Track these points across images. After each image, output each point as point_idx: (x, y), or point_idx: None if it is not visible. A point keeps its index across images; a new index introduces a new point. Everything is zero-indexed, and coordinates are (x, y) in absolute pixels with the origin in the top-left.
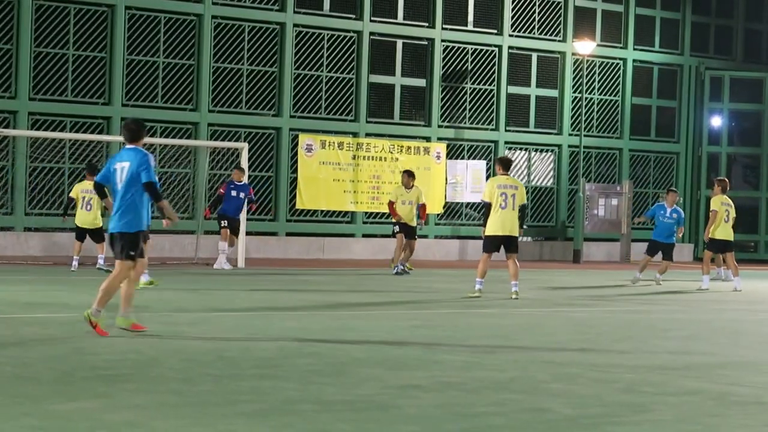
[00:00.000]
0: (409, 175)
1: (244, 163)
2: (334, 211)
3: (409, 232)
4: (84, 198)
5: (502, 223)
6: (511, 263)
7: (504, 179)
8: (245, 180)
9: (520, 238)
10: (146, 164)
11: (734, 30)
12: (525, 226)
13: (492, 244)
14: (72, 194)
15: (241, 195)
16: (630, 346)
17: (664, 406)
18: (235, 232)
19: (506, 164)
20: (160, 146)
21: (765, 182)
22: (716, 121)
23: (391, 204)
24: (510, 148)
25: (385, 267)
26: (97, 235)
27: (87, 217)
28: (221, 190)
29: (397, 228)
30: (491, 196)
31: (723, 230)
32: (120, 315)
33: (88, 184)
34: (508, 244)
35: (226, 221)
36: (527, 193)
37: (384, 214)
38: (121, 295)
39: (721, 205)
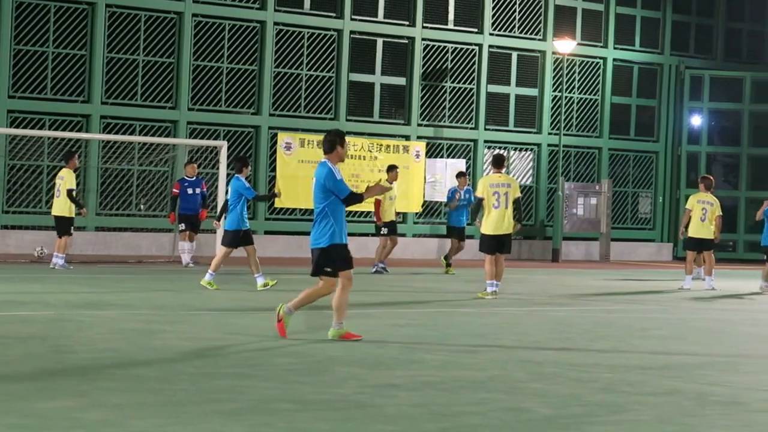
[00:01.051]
0: (393, 169)
1: (223, 161)
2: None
3: (394, 230)
4: (56, 185)
5: (496, 222)
6: (497, 263)
7: (496, 177)
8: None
9: (514, 237)
10: (332, 179)
11: (715, 29)
12: (522, 224)
13: (489, 243)
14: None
15: (197, 191)
16: (609, 345)
17: (643, 406)
18: (195, 228)
19: (498, 162)
20: (140, 144)
21: (744, 182)
22: (696, 121)
23: (378, 203)
24: (489, 147)
25: (364, 266)
26: (64, 225)
27: (57, 204)
28: (175, 190)
29: (386, 230)
30: (483, 193)
31: (699, 228)
32: (332, 326)
33: (62, 172)
34: (502, 243)
35: (183, 224)
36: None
37: (363, 212)
38: (333, 305)
39: (697, 203)
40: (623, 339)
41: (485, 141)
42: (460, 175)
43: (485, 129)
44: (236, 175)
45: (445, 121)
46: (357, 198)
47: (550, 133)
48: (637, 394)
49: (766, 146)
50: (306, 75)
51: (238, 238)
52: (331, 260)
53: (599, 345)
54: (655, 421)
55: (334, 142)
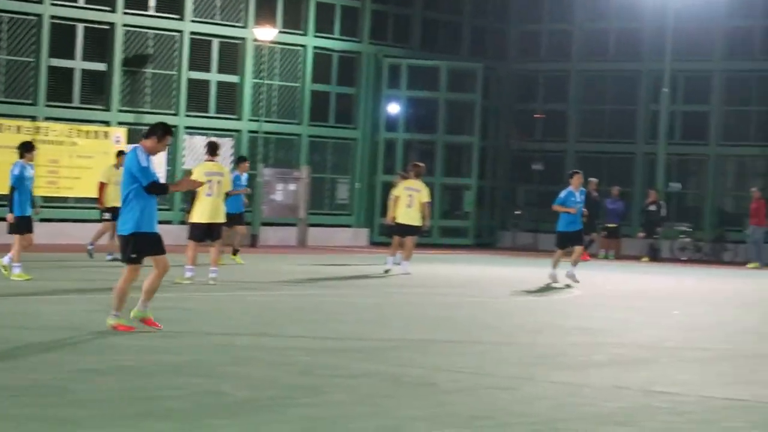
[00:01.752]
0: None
1: None
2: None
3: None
4: None
5: (208, 210)
6: (212, 249)
7: (211, 165)
8: None
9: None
10: (136, 164)
11: (412, 18)
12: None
13: (199, 231)
14: None
15: None
16: (307, 329)
17: (339, 388)
18: None
19: (213, 150)
20: None
21: (439, 168)
22: (394, 108)
23: (102, 186)
24: (190, 133)
25: (63, 252)
26: None
27: None
28: None
29: (108, 215)
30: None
31: (405, 215)
32: (137, 307)
33: None
34: (212, 231)
35: None
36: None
37: (63, 198)
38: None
39: (405, 190)
40: (321, 323)
41: (186, 127)
42: (241, 160)
43: (186, 115)
44: (18, 160)
45: (146, 107)
46: (161, 188)
47: (250, 120)
48: (333, 376)
49: (460, 134)
50: (5, 60)
51: (29, 222)
52: (136, 248)
53: (297, 329)
54: (350, 402)
55: (151, 131)
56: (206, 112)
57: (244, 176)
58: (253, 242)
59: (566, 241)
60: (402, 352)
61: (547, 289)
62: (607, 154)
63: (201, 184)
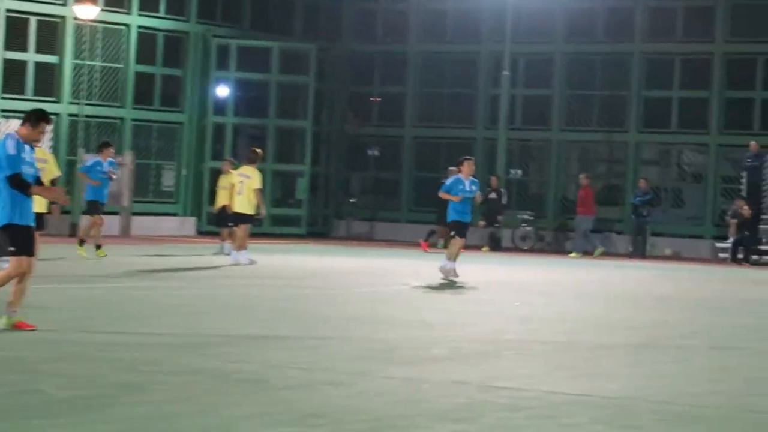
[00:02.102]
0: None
1: None
2: None
3: None
4: None
5: (37, 199)
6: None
7: (36, 151)
8: None
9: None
10: (3, 152)
11: None
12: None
13: None
14: None
15: None
16: (131, 323)
17: (164, 385)
18: None
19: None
20: None
21: (271, 154)
22: (223, 91)
23: None
24: (6, 117)
25: None
26: None
27: None
28: None
29: None
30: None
31: (236, 202)
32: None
33: None
34: (38, 221)
35: None
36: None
37: None
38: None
39: (237, 176)
40: (147, 317)
41: (1, 110)
42: (104, 145)
43: (1, 97)
44: None
45: None
46: (23, 185)
47: (70, 103)
48: (158, 373)
49: (293, 118)
50: None
51: None
52: (13, 241)
53: (121, 323)
54: (176, 401)
55: (25, 118)
56: (23, 94)
57: (106, 163)
58: (72, 232)
59: (464, 230)
60: (232, 347)
61: (385, 280)
62: (445, 140)
63: (67, 199)
